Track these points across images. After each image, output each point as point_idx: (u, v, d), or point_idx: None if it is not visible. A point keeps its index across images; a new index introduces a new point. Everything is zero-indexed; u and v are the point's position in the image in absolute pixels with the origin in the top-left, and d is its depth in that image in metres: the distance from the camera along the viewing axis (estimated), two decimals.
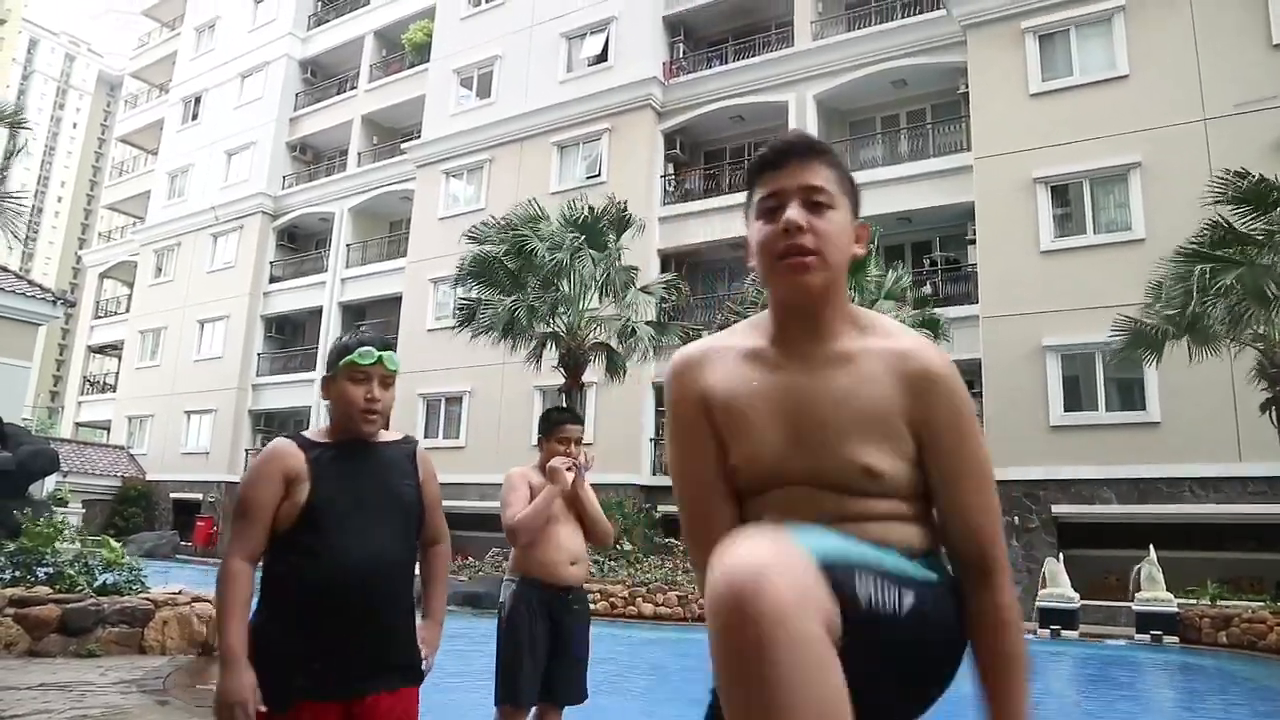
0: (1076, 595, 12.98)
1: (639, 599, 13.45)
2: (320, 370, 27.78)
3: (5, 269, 23.49)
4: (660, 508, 20.53)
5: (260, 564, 2.21)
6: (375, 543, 2.25)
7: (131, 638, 7.03)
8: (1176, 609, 12.17)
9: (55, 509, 13.37)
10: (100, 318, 38.74)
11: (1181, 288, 12.26)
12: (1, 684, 5.60)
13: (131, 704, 5.29)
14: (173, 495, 30.57)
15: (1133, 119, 16.58)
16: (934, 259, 20.51)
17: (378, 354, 2.28)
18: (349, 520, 2.22)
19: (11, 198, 11.44)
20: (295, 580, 2.18)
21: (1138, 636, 12.16)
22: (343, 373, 2.27)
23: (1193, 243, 12.32)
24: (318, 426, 2.45)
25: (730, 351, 1.38)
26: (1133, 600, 12.58)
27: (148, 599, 7.31)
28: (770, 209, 1.31)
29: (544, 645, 3.40)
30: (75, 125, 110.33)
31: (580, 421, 3.72)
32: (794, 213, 1.29)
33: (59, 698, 5.29)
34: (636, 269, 16.79)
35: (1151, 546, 12.82)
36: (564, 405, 3.49)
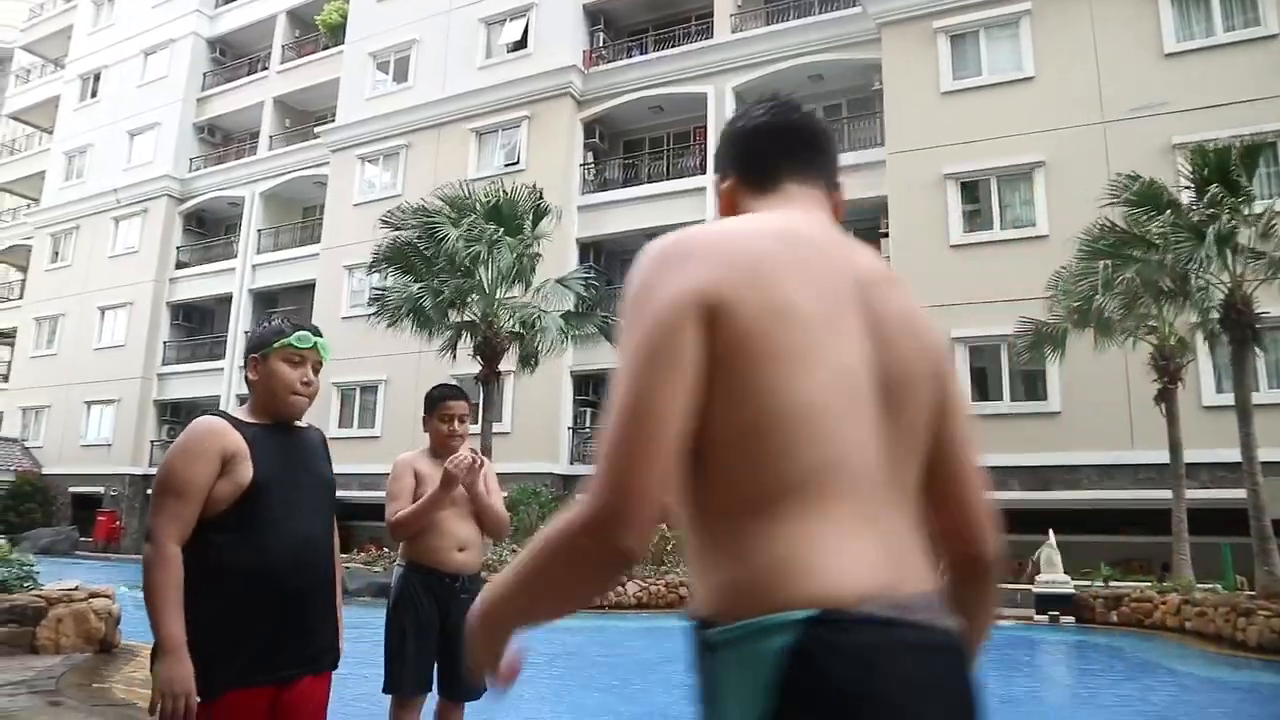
0: None
1: None
2: (231, 359, 27.07)
3: None
4: (578, 496, 20.49)
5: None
6: (311, 526, 2.24)
7: (21, 637, 6.73)
8: (1073, 590, 12.72)
9: None
10: None
11: (1086, 283, 12.81)
12: None
13: (19, 706, 5.07)
14: (71, 489, 29.29)
15: (1038, 119, 17.19)
16: None
17: (314, 340, 2.31)
18: (288, 503, 2.19)
19: None
20: (230, 565, 2.11)
21: (1037, 617, 12.66)
22: (277, 354, 2.26)
23: (1088, 240, 12.89)
24: (230, 409, 2.40)
25: None
26: (1033, 583, 13.10)
27: (40, 596, 7.01)
28: None
29: (433, 633, 3.29)
30: None
31: (464, 397, 3.60)
32: None
33: None
34: (539, 256, 16.69)
35: (1051, 531, 13.37)
36: (453, 384, 3.39)
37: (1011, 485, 16.20)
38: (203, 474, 2.12)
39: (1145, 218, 12.48)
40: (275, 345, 2.27)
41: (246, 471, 2.14)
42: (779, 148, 1.35)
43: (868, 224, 20.37)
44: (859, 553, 0.99)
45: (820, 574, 0.96)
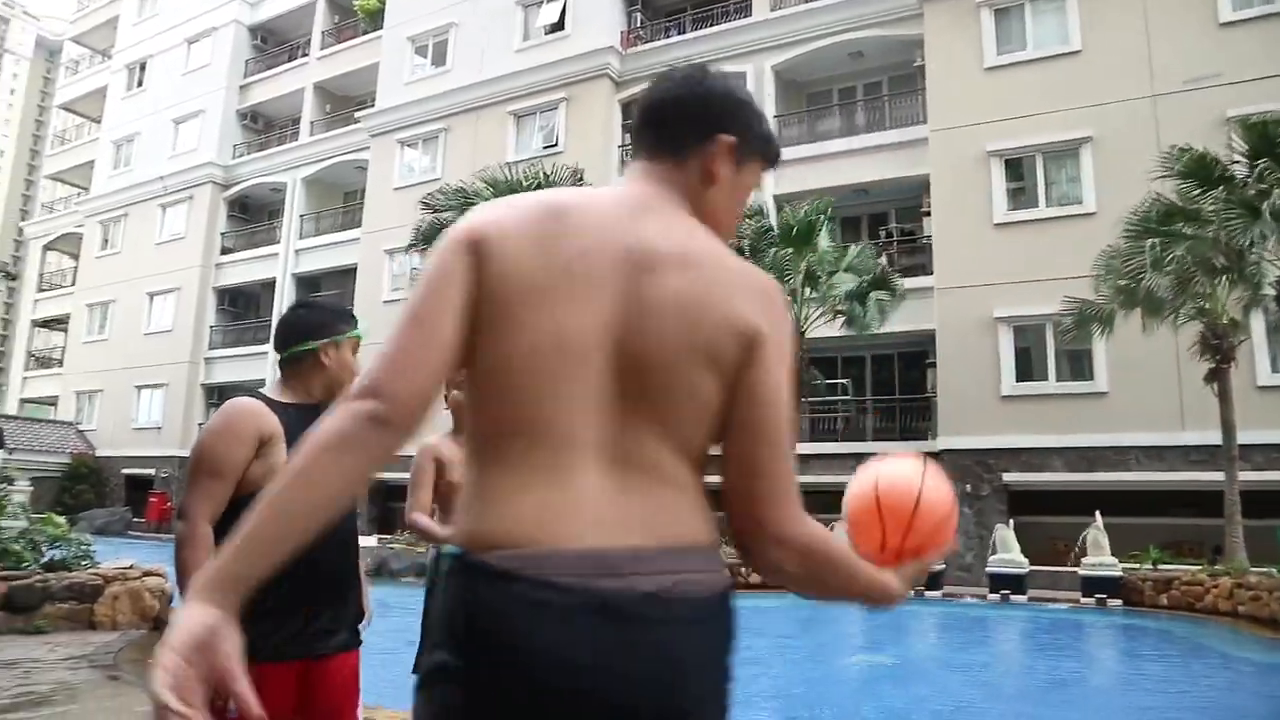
0: (1026, 561, 13.32)
1: None
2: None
3: None
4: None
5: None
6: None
7: (81, 613, 6.93)
8: (1120, 573, 12.52)
9: (2, 485, 13.05)
10: (45, 291, 37.74)
11: (1135, 262, 12.52)
12: None
13: (81, 680, 5.22)
14: (124, 471, 30.02)
15: (1085, 94, 16.80)
16: (890, 231, 20.69)
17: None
18: None
19: None
20: None
21: (1083, 600, 12.51)
22: (350, 343, 2.39)
23: (1137, 216, 12.58)
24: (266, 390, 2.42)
25: None
26: (1079, 565, 12.93)
27: (97, 574, 7.20)
28: (746, 190, 1.35)
29: None
30: (13, 91, 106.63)
31: None
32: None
33: (4, 675, 5.21)
34: None
35: (1098, 513, 13.16)
36: None
37: (1056, 466, 15.99)
38: (239, 455, 2.14)
39: (1198, 192, 12.16)
40: (349, 334, 2.38)
41: (281, 454, 2.15)
42: (635, 125, 1.38)
43: (909, 203, 20.12)
44: (531, 506, 1.05)
45: (480, 519, 1.07)
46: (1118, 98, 16.50)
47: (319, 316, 2.40)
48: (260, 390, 2.42)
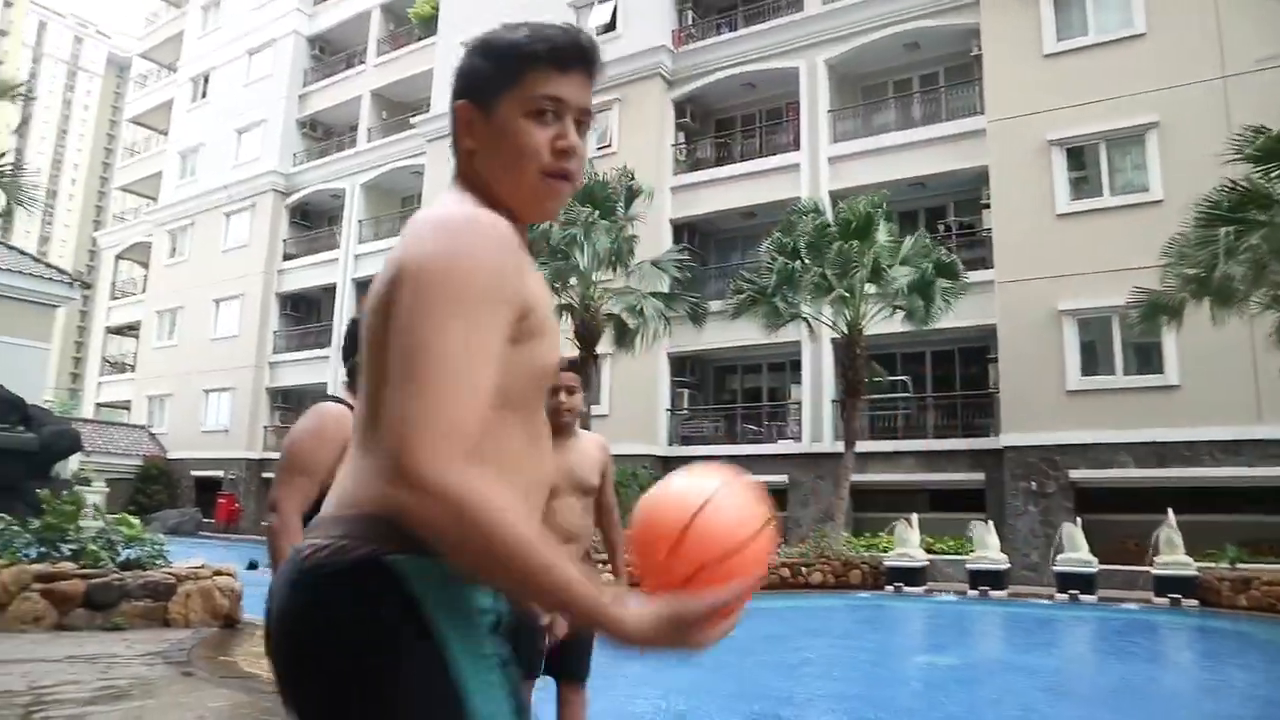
0: (1094, 559, 12.97)
1: None
2: (335, 347, 27.97)
3: (23, 252, 23.64)
4: None
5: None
6: None
7: (155, 611, 7.13)
8: (1195, 572, 12.14)
9: (79, 488, 13.53)
10: (117, 299, 38.98)
11: (1206, 251, 12.10)
12: (31, 656, 5.70)
13: (157, 675, 5.37)
14: (194, 473, 30.89)
15: (1150, 78, 16.32)
16: (948, 224, 20.34)
17: None
18: None
19: (18, 170, 11.48)
20: None
21: (1156, 600, 12.15)
22: None
23: (1207, 203, 12.15)
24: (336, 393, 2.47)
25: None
26: (1151, 564, 12.56)
27: (170, 573, 7.41)
28: (543, 111, 1.18)
29: (539, 618, 3.04)
30: (86, 107, 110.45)
31: (577, 369, 3.46)
32: (575, 138, 1.21)
33: (86, 670, 5.38)
34: (636, 238, 16.74)
35: (1170, 510, 12.77)
36: (569, 359, 3.30)
37: (1125, 462, 15.56)
38: (330, 458, 2.21)
39: (1274, 175, 11.71)
40: None
41: None
42: None
43: (968, 195, 19.76)
44: None
45: None
46: (1185, 80, 15.99)
47: None
48: (340, 396, 2.47)
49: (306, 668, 1.06)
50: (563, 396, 3.25)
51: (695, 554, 1.05)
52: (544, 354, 1.17)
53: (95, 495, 19.82)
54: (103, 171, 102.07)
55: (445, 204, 1.17)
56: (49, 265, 23.17)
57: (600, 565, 3.95)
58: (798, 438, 20.00)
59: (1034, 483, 16.10)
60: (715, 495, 1.08)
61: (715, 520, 1.06)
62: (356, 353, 2.38)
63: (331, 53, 33.67)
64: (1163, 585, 12.19)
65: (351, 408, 2.34)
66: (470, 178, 1.23)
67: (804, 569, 14.11)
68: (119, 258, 40.07)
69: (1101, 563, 13.15)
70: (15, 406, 13.55)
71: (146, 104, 40.25)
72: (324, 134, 33.46)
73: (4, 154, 11.70)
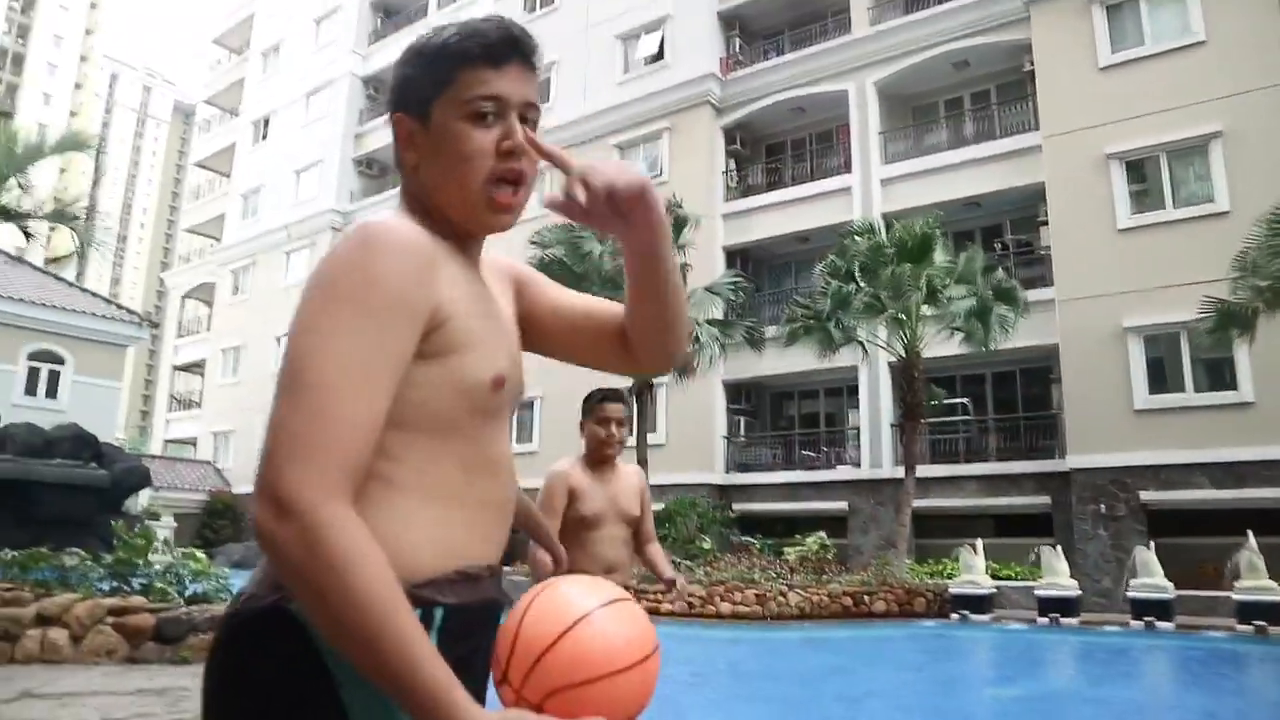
0: (1170, 585, 12.51)
1: (717, 598, 13.37)
2: None
3: (94, 294, 24.48)
4: (736, 505, 20.42)
5: None
6: None
7: None
8: None
9: (149, 523, 13.92)
10: (183, 337, 40.12)
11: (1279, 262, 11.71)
12: (104, 689, 5.82)
13: None
14: None
15: (1212, 86, 15.93)
16: (1005, 243, 20.00)
17: None
18: None
19: (90, 216, 11.97)
20: None
21: (1240, 627, 11.66)
22: None
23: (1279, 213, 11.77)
24: None
25: (439, 248, 1.10)
26: (1232, 589, 12.07)
27: None
28: (483, 114, 1.11)
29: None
30: (154, 153, 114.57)
31: (623, 400, 3.43)
32: (521, 136, 1.13)
33: (156, 702, 5.47)
34: (689, 265, 16.67)
35: (1250, 533, 12.29)
36: (614, 388, 3.29)
37: (1199, 483, 15.02)
38: None
39: None
40: None
41: None
42: None
43: (1024, 213, 19.43)
44: None
45: None
46: (1250, 87, 15.57)
47: None
48: None
49: (213, 716, 1.02)
50: (613, 429, 3.28)
51: (557, 674, 0.93)
52: (471, 369, 1.07)
53: (164, 530, 20.35)
54: (169, 214, 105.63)
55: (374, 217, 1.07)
56: (119, 306, 23.95)
57: (641, 596, 3.91)
58: (857, 463, 19.72)
59: (1103, 506, 15.62)
60: (593, 614, 0.97)
61: (586, 643, 0.94)
62: None
63: (386, 92, 34.44)
64: (1246, 611, 11.70)
65: None
66: (414, 193, 1.15)
67: (866, 597, 13.85)
68: (185, 297, 41.29)
69: (1177, 588, 12.67)
70: (88, 444, 13.97)
71: (210, 148, 41.60)
72: (379, 171, 34.20)
73: (78, 201, 12.20)
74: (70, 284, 23.29)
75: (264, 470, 0.90)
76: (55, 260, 26.60)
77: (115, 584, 7.55)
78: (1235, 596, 11.92)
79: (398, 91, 1.16)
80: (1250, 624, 11.54)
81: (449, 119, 1.11)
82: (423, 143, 1.13)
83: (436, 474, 1.06)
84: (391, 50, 33.75)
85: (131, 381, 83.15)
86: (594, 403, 3.37)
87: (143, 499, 22.54)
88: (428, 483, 1.05)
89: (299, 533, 0.87)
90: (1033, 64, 18.48)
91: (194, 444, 36.78)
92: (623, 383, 16.52)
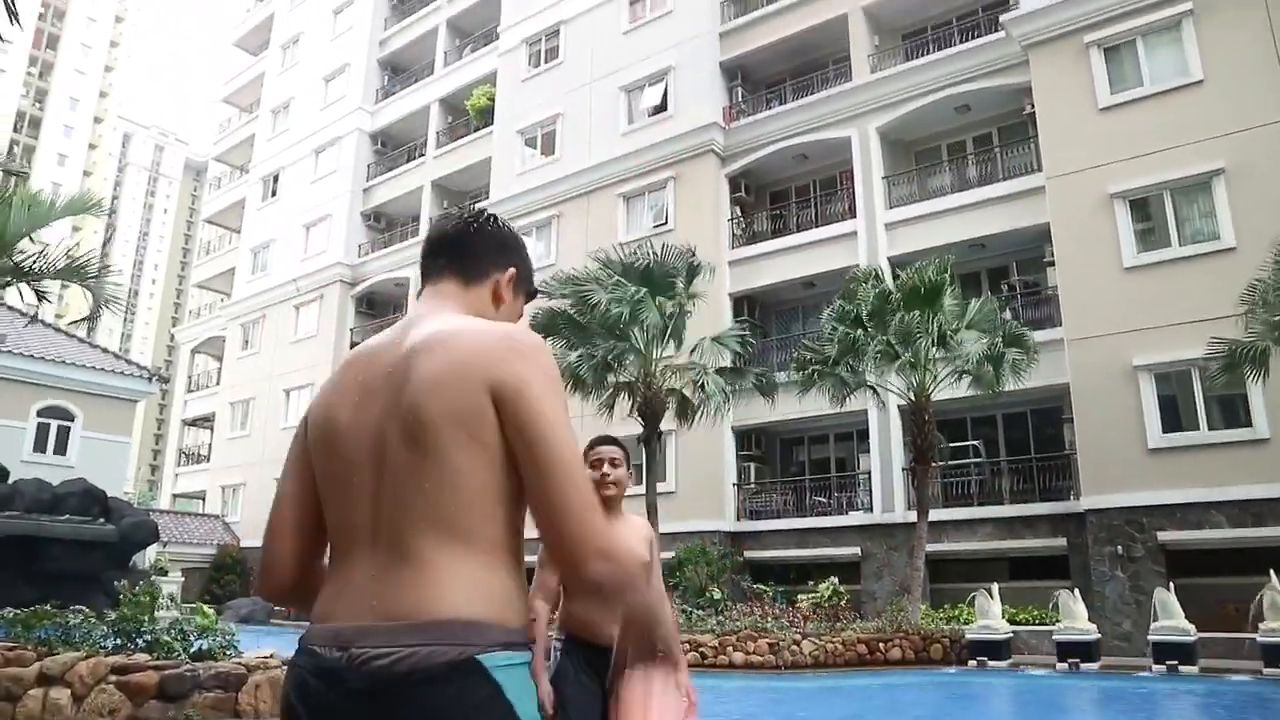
0: (1192, 627, 12.25)
1: (729, 648, 13.14)
2: None
3: (105, 350, 24.58)
4: (747, 552, 20.20)
5: None
6: None
7: (226, 702, 7.11)
8: None
9: (156, 578, 13.80)
10: (193, 391, 40.23)
11: None
12: None
13: None
14: None
15: (1213, 124, 16.02)
16: (1011, 284, 20.00)
17: None
18: None
19: (103, 273, 12.09)
20: None
21: (1267, 671, 11.39)
22: None
23: None
24: None
25: None
26: (1256, 631, 11.82)
27: (240, 664, 7.40)
28: (517, 316, 1.62)
29: (597, 707, 2.94)
30: (165, 210, 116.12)
31: (616, 443, 3.40)
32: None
33: None
34: (689, 313, 16.66)
35: (1272, 572, 12.05)
36: (609, 436, 3.28)
37: (1218, 522, 14.81)
38: None
39: None
40: None
41: None
42: (424, 253, 1.59)
43: (1030, 254, 19.45)
44: (326, 592, 1.38)
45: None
46: (1251, 124, 15.66)
47: None
48: None
49: None
50: (607, 468, 3.21)
51: None
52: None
53: (171, 585, 20.20)
54: (180, 270, 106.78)
55: (451, 318, 1.44)
56: (129, 362, 24.05)
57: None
58: (868, 508, 19.52)
59: (1120, 546, 15.40)
60: None
61: None
62: None
63: (393, 147, 34.96)
64: (1272, 654, 11.43)
65: None
66: (478, 311, 1.51)
67: (882, 644, 13.60)
68: (195, 351, 41.51)
69: (1199, 629, 12.41)
70: (96, 499, 13.94)
71: (220, 204, 42.12)
72: (387, 225, 34.53)
73: (89, 259, 12.30)
74: (81, 340, 23.44)
75: (591, 535, 1.28)
76: (73, 322, 26.79)
77: (119, 641, 7.46)
78: (1260, 639, 11.66)
79: (521, 259, 1.62)
80: (1276, 667, 11.27)
81: (519, 305, 1.63)
82: (509, 297, 1.59)
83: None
84: (399, 105, 34.33)
85: (141, 436, 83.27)
86: (586, 448, 3.33)
87: (150, 554, 22.41)
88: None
89: (623, 568, 1.31)
90: (1033, 106, 18.64)
91: (203, 498, 36.69)
92: (630, 430, 16.48)
